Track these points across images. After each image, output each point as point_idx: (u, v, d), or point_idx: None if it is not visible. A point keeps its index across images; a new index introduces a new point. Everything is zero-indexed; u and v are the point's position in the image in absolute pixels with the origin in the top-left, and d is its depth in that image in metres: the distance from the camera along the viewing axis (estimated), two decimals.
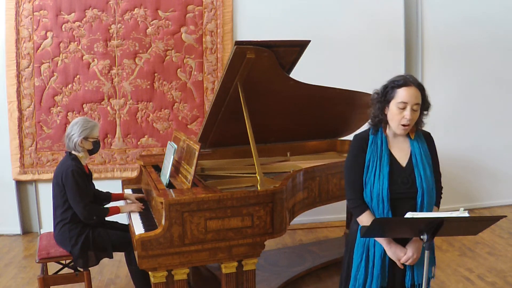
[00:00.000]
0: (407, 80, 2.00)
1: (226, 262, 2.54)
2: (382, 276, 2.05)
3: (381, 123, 2.08)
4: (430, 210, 2.02)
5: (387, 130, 2.10)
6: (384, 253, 2.04)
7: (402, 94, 1.98)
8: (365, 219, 2.06)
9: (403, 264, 2.02)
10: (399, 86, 1.99)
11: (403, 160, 2.06)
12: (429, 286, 2.08)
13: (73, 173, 2.87)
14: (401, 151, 2.08)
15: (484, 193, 5.24)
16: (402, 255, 2.01)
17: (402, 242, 2.04)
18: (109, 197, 3.25)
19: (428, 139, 2.12)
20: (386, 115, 2.06)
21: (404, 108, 1.98)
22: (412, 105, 1.97)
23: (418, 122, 2.06)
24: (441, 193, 2.14)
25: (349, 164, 2.13)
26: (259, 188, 2.57)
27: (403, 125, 2.00)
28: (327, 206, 3.40)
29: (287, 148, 3.81)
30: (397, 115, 2.00)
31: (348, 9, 4.80)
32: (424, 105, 2.03)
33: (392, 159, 2.06)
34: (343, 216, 4.39)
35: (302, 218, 4.08)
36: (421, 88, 2.01)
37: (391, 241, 2.02)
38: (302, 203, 3.01)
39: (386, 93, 2.03)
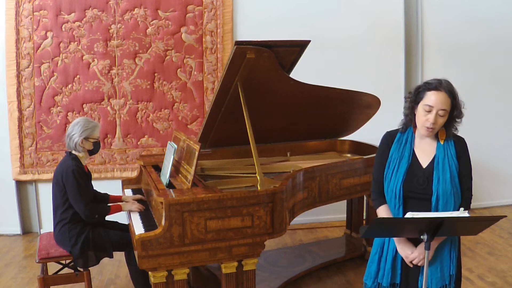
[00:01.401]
0: (438, 85, 2.00)
1: (226, 262, 2.54)
2: (393, 272, 2.06)
3: (411, 122, 2.12)
4: None
5: (417, 130, 2.11)
6: (396, 249, 2.06)
7: (430, 97, 1.99)
8: (381, 212, 2.13)
9: (418, 266, 2.02)
10: (429, 89, 2.00)
11: (425, 161, 2.07)
12: None
13: (74, 172, 2.87)
14: (425, 152, 2.09)
15: (484, 193, 5.24)
16: (409, 253, 2.02)
17: (417, 242, 2.04)
18: (107, 198, 3.24)
19: (459, 145, 2.10)
20: (415, 115, 2.07)
21: (429, 111, 1.99)
22: (438, 110, 1.98)
23: (449, 129, 2.06)
24: (470, 202, 2.14)
25: (375, 159, 2.20)
26: (259, 188, 2.57)
27: (427, 127, 2.01)
28: (327, 206, 3.40)
29: (287, 148, 3.81)
30: (422, 116, 2.02)
31: (348, 9, 4.80)
32: (454, 112, 2.02)
33: (413, 158, 2.08)
34: (343, 216, 4.39)
35: (302, 218, 4.08)
36: (452, 95, 2.00)
37: (400, 237, 2.03)
38: (302, 203, 3.01)
39: (417, 94, 2.05)
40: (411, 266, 2.04)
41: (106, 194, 3.26)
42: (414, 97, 2.07)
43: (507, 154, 5.26)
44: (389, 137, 2.17)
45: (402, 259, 2.06)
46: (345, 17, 4.80)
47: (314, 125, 3.70)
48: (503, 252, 4.03)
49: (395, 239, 2.05)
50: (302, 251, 3.95)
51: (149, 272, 2.44)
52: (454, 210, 2.01)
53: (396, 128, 2.19)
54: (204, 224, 2.42)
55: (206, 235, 2.44)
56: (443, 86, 2.00)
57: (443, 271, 2.03)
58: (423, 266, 2.01)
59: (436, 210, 1.99)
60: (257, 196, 2.51)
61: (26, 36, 4.45)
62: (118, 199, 3.25)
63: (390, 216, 2.08)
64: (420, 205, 2.01)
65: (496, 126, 5.20)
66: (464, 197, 2.08)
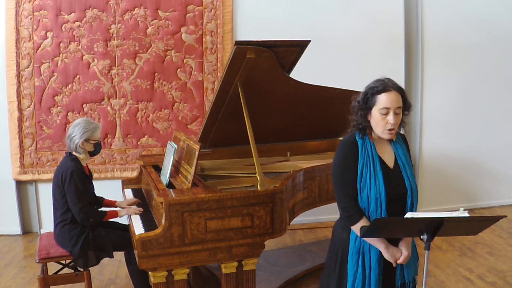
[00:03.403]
0: (386, 85, 1.99)
1: (226, 262, 2.54)
2: (379, 279, 2.05)
3: (366, 129, 2.08)
4: (417, 210, 2.04)
5: (373, 135, 2.10)
6: (380, 256, 2.03)
7: (383, 99, 1.98)
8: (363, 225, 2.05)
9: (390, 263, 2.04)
10: (379, 92, 1.99)
11: (390, 162, 2.08)
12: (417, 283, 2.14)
13: (73, 174, 2.86)
14: (387, 154, 2.10)
15: (484, 193, 5.24)
16: (399, 256, 2.02)
17: (393, 242, 2.05)
18: (101, 202, 3.22)
19: (405, 140, 2.16)
20: (369, 122, 2.06)
21: (387, 114, 1.99)
22: (394, 109, 1.98)
23: (400, 123, 2.07)
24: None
25: (341, 172, 2.06)
26: (259, 188, 2.58)
27: (389, 130, 2.01)
28: (327, 206, 3.39)
29: (287, 148, 3.80)
30: (381, 121, 2.00)
31: (348, 9, 4.80)
32: (405, 106, 2.04)
33: (382, 162, 2.06)
34: None
35: (302, 218, 4.08)
36: (400, 91, 2.01)
37: (388, 244, 2.01)
38: (302, 203, 3.01)
39: (366, 100, 2.03)
40: (395, 266, 2.04)
41: (102, 197, 3.24)
42: (364, 104, 2.04)
43: (507, 154, 5.26)
44: (352, 146, 2.06)
45: (384, 264, 2.04)
46: (345, 17, 4.80)
47: (314, 125, 3.70)
48: (503, 252, 4.03)
49: (382, 249, 2.00)
50: (302, 251, 3.95)
51: (149, 272, 2.44)
52: (416, 203, 2.06)
53: (348, 136, 2.12)
54: (204, 224, 2.42)
55: (206, 235, 2.44)
56: (390, 85, 2.00)
57: (415, 263, 2.12)
58: (398, 265, 2.05)
59: (412, 206, 2.02)
60: (257, 196, 2.51)
61: (26, 36, 4.45)
62: (112, 204, 3.21)
63: None
64: (397, 205, 2.02)
65: (496, 126, 5.20)
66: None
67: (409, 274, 2.08)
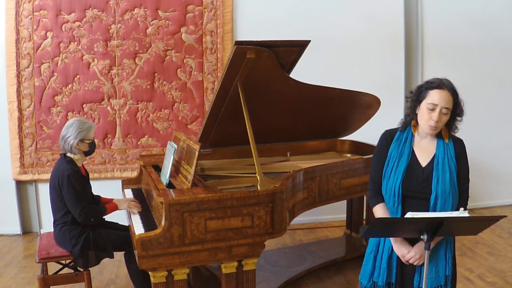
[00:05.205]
0: (441, 83, 2.01)
1: (226, 262, 2.53)
2: (388, 272, 2.06)
3: (411, 121, 2.12)
4: None
5: (417, 130, 2.12)
6: (392, 248, 2.05)
7: (433, 95, 1.99)
8: (378, 211, 2.13)
9: (414, 265, 2.02)
10: (432, 88, 2.01)
11: (424, 160, 2.07)
12: None
13: (69, 177, 2.84)
14: (425, 151, 2.09)
15: (484, 193, 5.24)
16: (405, 252, 2.02)
17: (413, 241, 2.03)
18: (98, 201, 3.21)
19: (458, 146, 2.10)
20: (417, 115, 2.08)
21: (433, 110, 1.99)
22: (442, 108, 1.98)
23: (450, 127, 2.07)
24: (467, 204, 2.09)
25: (373, 157, 2.21)
26: (259, 188, 2.57)
27: (431, 126, 2.02)
28: (327, 206, 3.40)
29: (287, 148, 3.80)
30: (426, 115, 2.02)
31: (348, 9, 4.80)
32: (456, 110, 2.04)
33: (413, 158, 2.08)
34: (343, 216, 4.39)
35: (302, 218, 4.08)
36: (454, 93, 2.02)
37: (398, 238, 2.03)
38: (302, 203, 3.01)
39: (419, 93, 2.06)
40: (407, 263, 2.04)
41: (99, 196, 3.23)
42: (416, 97, 2.07)
43: (507, 154, 5.26)
44: (388, 136, 2.16)
45: (397, 258, 2.06)
46: (345, 17, 4.80)
47: (314, 125, 3.70)
48: (503, 252, 4.03)
49: (392, 239, 2.05)
50: (302, 251, 3.95)
51: (149, 272, 2.44)
52: (451, 210, 2.01)
53: (395, 127, 2.19)
54: (204, 224, 2.42)
55: (206, 235, 2.44)
56: (445, 84, 2.01)
57: (438, 272, 2.03)
58: (418, 266, 2.02)
59: (434, 209, 1.99)
60: (257, 196, 2.51)
61: (26, 36, 4.45)
62: (109, 201, 3.20)
63: (387, 214, 2.08)
64: (419, 204, 2.01)
65: (496, 126, 5.20)
66: (462, 198, 2.06)
67: (428, 280, 2.00)
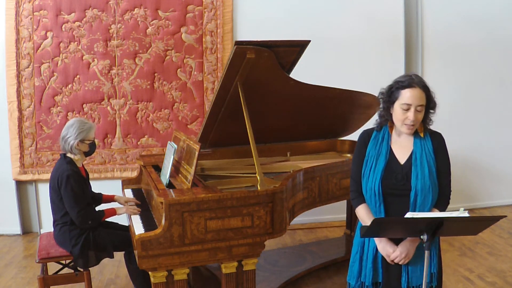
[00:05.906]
0: (411, 81, 1.99)
1: (226, 262, 2.54)
2: (374, 271, 2.06)
3: (387, 121, 2.10)
4: (424, 210, 2.00)
5: (394, 128, 2.11)
6: (376, 248, 2.05)
7: (406, 95, 1.98)
8: (360, 212, 2.11)
9: (399, 264, 2.02)
10: (403, 87, 1.99)
11: (402, 157, 2.06)
12: None
13: (69, 178, 2.83)
14: (402, 149, 2.08)
15: (484, 193, 5.24)
16: (391, 251, 2.01)
17: (398, 241, 2.03)
18: (100, 199, 3.21)
19: (436, 140, 2.09)
20: (391, 115, 2.06)
21: (407, 109, 1.98)
22: (416, 106, 1.98)
23: (425, 121, 2.06)
24: (449, 198, 2.08)
25: (353, 158, 2.20)
26: (259, 188, 2.57)
27: (408, 125, 2.01)
28: (327, 206, 3.40)
29: (287, 148, 3.80)
30: (400, 115, 2.00)
31: (348, 9, 4.80)
32: (429, 104, 2.03)
33: (391, 155, 2.07)
34: (343, 216, 4.39)
35: (302, 218, 4.08)
36: (425, 89, 2.00)
37: (383, 238, 2.02)
38: (302, 203, 3.01)
39: (391, 94, 2.04)
40: (392, 263, 2.03)
41: (100, 194, 3.24)
42: (387, 97, 2.05)
43: (507, 154, 5.25)
44: (366, 135, 2.14)
45: (382, 258, 2.05)
46: (345, 17, 4.80)
47: (314, 125, 3.70)
48: (503, 252, 4.03)
49: (376, 239, 2.03)
50: (302, 251, 3.95)
51: (149, 272, 2.44)
52: (432, 205, 2.01)
53: (371, 127, 2.17)
54: (204, 224, 2.42)
55: (206, 235, 2.44)
56: (416, 82, 1.99)
57: (423, 270, 2.02)
58: (404, 265, 2.03)
59: (415, 205, 1.98)
60: (257, 196, 2.51)
61: (26, 36, 4.45)
62: (110, 199, 3.22)
63: (370, 215, 2.07)
64: (399, 201, 2.00)
65: (496, 126, 5.20)
66: (443, 193, 2.05)
67: (414, 278, 2.03)
